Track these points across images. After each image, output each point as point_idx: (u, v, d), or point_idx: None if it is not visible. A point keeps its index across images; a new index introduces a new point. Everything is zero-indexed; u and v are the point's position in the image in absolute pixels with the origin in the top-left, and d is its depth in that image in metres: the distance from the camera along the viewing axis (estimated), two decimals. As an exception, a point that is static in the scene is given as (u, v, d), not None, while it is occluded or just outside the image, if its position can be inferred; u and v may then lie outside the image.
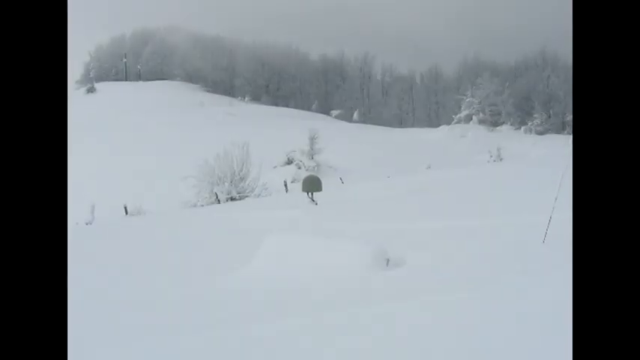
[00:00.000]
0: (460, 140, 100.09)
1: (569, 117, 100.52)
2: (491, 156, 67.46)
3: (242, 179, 46.64)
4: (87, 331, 8.64)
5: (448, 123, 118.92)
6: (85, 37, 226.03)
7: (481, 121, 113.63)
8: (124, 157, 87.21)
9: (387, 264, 11.48)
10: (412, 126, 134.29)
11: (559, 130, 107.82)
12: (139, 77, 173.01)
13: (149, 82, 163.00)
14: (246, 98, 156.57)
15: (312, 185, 29.44)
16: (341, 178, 60.42)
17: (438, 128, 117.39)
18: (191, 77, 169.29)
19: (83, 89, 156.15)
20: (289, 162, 77.04)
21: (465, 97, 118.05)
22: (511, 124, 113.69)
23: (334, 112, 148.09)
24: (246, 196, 45.38)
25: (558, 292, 7.06)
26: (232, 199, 44.99)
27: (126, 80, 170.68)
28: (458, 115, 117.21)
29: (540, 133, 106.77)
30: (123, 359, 6.74)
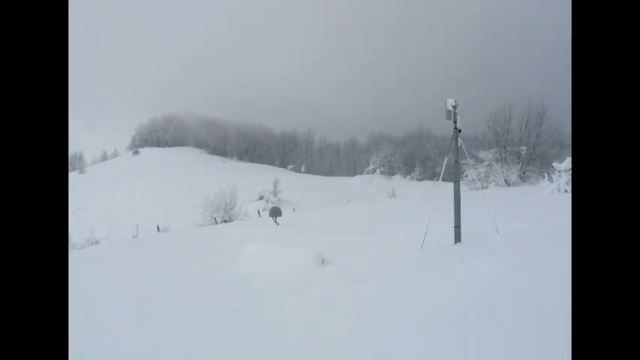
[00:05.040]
0: (369, 184, 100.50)
1: (438, 169, 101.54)
2: (388, 195, 67.59)
3: (231, 208, 46.82)
4: (118, 309, 8.52)
5: (361, 173, 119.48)
6: (132, 119, 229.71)
7: (382, 173, 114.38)
8: (155, 193, 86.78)
9: (323, 263, 11.48)
10: (338, 175, 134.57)
11: (431, 178, 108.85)
12: (166, 144, 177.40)
13: (173, 148, 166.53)
14: (234, 157, 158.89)
15: (275, 212, 29.48)
16: (294, 209, 60.39)
17: (354, 177, 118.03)
18: (199, 144, 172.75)
19: (131, 152, 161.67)
20: (261, 198, 77.03)
21: (371, 157, 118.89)
22: (401, 175, 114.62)
23: (289, 166, 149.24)
24: (234, 220, 45.29)
25: (430, 280, 7.18)
26: (225, 221, 44.89)
27: (158, 146, 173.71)
28: (367, 169, 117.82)
29: (419, 180, 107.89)
30: (146, 326, 6.69)
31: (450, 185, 12.02)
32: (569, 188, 22.73)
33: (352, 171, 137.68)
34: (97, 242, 40.32)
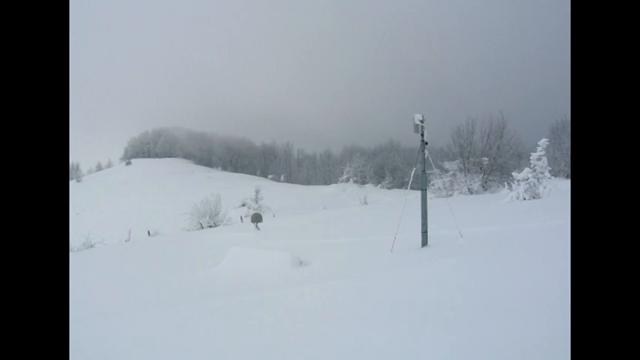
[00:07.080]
0: (343, 192, 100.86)
1: (406, 179, 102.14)
2: (360, 202, 67.74)
3: (216, 214, 46.54)
4: (105, 309, 8.36)
5: (336, 182, 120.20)
6: (125, 133, 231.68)
7: (355, 182, 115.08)
8: (146, 200, 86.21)
9: (300, 264, 11.37)
10: (315, 184, 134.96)
11: (400, 186, 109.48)
12: (156, 156, 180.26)
13: (163, 159, 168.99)
14: (219, 168, 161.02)
15: (257, 218, 29.37)
16: (274, 214, 60.25)
17: (329, 186, 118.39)
18: (187, 156, 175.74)
19: (124, 163, 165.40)
20: (243, 205, 76.80)
21: (345, 167, 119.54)
22: (372, 183, 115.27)
23: (270, 176, 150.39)
24: (219, 225, 45.06)
25: (399, 280, 7.09)
26: (210, 226, 44.64)
27: (149, 157, 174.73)
28: (341, 178, 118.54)
29: (389, 189, 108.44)
30: (137, 320, 6.52)
31: (418, 193, 12.00)
32: (527, 196, 22.84)
33: (327, 180, 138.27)
34: (92, 246, 39.93)
